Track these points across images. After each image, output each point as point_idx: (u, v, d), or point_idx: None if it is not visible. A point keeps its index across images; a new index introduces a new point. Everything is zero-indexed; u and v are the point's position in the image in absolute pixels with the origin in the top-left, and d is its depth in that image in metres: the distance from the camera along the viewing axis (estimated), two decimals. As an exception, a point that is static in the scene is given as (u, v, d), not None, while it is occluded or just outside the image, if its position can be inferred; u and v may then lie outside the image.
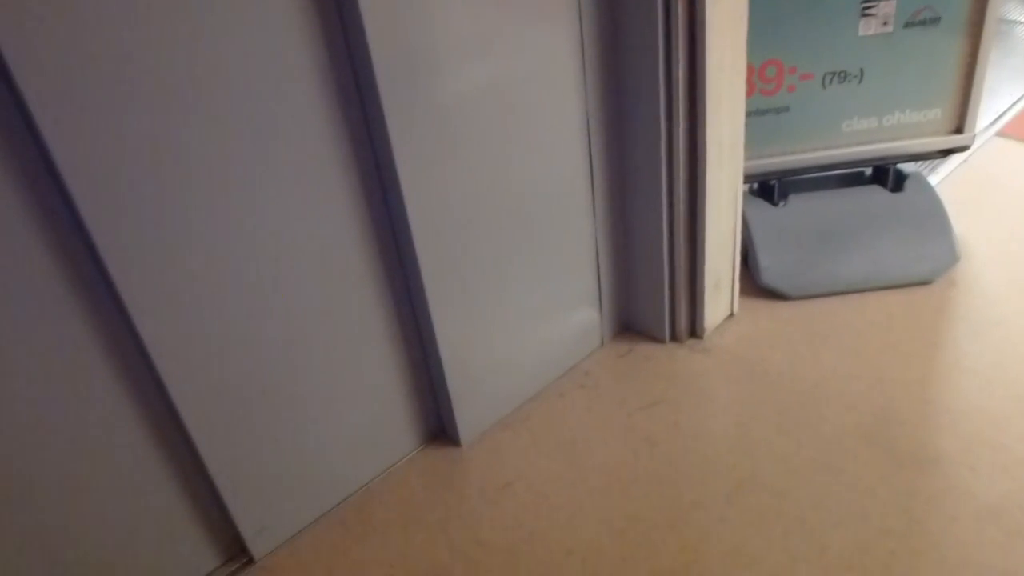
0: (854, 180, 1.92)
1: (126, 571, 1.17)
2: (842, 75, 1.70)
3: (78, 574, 1.12)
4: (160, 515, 1.18)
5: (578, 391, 1.58)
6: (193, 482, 1.20)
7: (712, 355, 1.62)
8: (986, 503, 1.21)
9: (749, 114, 1.61)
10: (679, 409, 1.49)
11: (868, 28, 1.64)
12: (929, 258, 1.77)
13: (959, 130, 1.78)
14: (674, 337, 1.68)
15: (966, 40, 1.67)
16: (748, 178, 1.75)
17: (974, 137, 1.79)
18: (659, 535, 1.24)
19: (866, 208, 1.84)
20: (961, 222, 1.89)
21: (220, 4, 0.96)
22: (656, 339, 1.69)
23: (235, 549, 1.30)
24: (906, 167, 1.89)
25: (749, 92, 1.65)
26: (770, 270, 1.78)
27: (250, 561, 1.30)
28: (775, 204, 1.86)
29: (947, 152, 1.82)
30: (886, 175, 1.87)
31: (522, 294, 1.46)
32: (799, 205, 1.86)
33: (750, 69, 1.61)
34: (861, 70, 1.70)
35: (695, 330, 1.68)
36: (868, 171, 1.92)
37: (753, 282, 1.80)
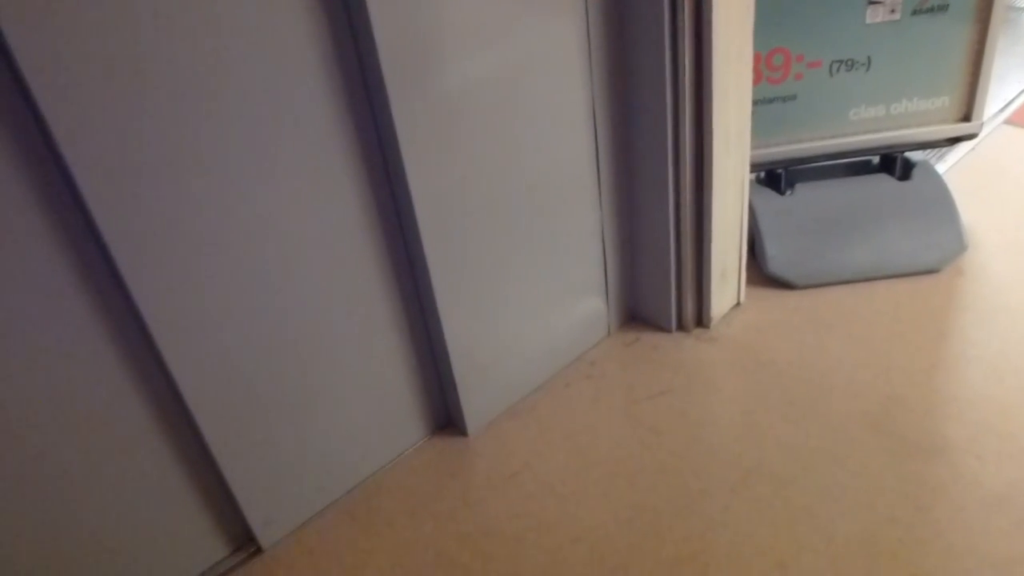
0: (861, 169, 1.91)
1: (134, 561, 1.18)
2: (849, 63, 1.69)
3: (84, 563, 1.12)
4: (168, 505, 1.19)
5: (585, 381, 1.58)
6: (201, 472, 1.21)
7: (719, 344, 1.62)
8: (993, 491, 1.21)
9: (756, 103, 1.61)
10: (685, 398, 1.49)
11: (875, 16, 1.64)
12: (936, 247, 1.76)
13: (967, 118, 1.77)
14: (680, 326, 1.68)
15: (974, 28, 1.66)
16: (755, 167, 1.75)
17: (982, 125, 1.78)
18: (665, 524, 1.24)
19: (873, 197, 1.83)
20: (968, 210, 1.88)
21: (225, -5, 0.96)
22: (662, 328, 1.69)
23: (243, 539, 1.31)
24: (914, 155, 1.88)
25: (756, 81, 1.65)
26: (777, 259, 1.78)
27: (258, 551, 1.30)
28: (782, 193, 1.85)
29: (955, 140, 1.81)
30: (893, 163, 1.87)
31: (528, 284, 1.46)
32: (806, 194, 1.85)
33: (757, 57, 1.60)
34: (868, 58, 1.69)
35: (702, 319, 1.68)
36: (875, 159, 1.91)
37: (760, 271, 1.80)
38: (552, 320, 1.55)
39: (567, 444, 1.43)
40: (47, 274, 0.95)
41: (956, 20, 1.65)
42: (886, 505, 1.21)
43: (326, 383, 1.28)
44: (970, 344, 1.52)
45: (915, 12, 1.63)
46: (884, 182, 1.86)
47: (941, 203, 1.81)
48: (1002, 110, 2.43)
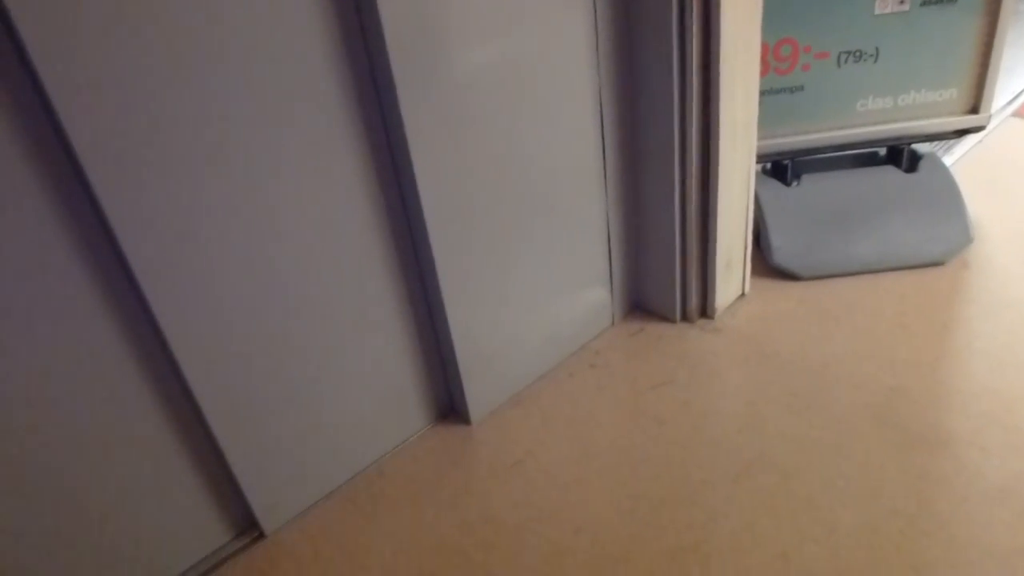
0: (868, 160, 1.91)
1: (138, 545, 1.18)
2: (857, 54, 1.69)
3: (88, 547, 1.13)
4: (172, 490, 1.19)
5: (588, 370, 1.58)
6: (205, 457, 1.21)
7: (723, 335, 1.62)
8: (996, 484, 1.21)
9: (763, 93, 1.60)
10: (689, 389, 1.49)
11: (884, 6, 1.63)
12: (942, 239, 1.75)
13: (975, 110, 1.76)
14: (685, 317, 1.68)
15: (983, 19, 1.65)
16: (761, 158, 1.74)
17: (990, 118, 1.77)
18: (668, 514, 1.24)
19: (879, 188, 1.83)
20: (975, 203, 1.88)
21: (231, -21, 0.96)
22: (667, 319, 1.69)
23: (246, 524, 1.31)
24: (921, 147, 1.87)
25: (763, 71, 1.64)
26: (782, 250, 1.77)
27: (261, 536, 1.31)
28: (788, 184, 1.85)
29: (962, 132, 1.81)
30: (900, 155, 1.86)
31: (533, 273, 1.46)
32: (812, 185, 1.85)
33: (764, 48, 1.60)
34: (877, 49, 1.68)
35: (706, 310, 1.68)
36: (882, 151, 1.91)
37: (765, 262, 1.80)
38: (556, 309, 1.55)
39: (570, 433, 1.43)
40: (57, 261, 0.95)
41: (965, 12, 1.64)
42: (889, 497, 1.21)
43: (330, 370, 1.28)
44: (975, 337, 1.52)
45: (924, 3, 1.63)
46: (890, 174, 1.85)
47: (947, 195, 1.80)
48: (1010, 103, 2.42)
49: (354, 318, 1.27)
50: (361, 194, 1.20)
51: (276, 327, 1.18)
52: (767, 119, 1.68)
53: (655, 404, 1.46)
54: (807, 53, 1.68)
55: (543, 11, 1.25)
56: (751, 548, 1.17)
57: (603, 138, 1.46)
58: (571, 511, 1.27)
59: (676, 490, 1.28)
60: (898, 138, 1.80)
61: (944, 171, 1.84)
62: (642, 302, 1.73)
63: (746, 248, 1.67)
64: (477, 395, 1.47)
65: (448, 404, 1.51)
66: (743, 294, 1.73)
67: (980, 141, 2.21)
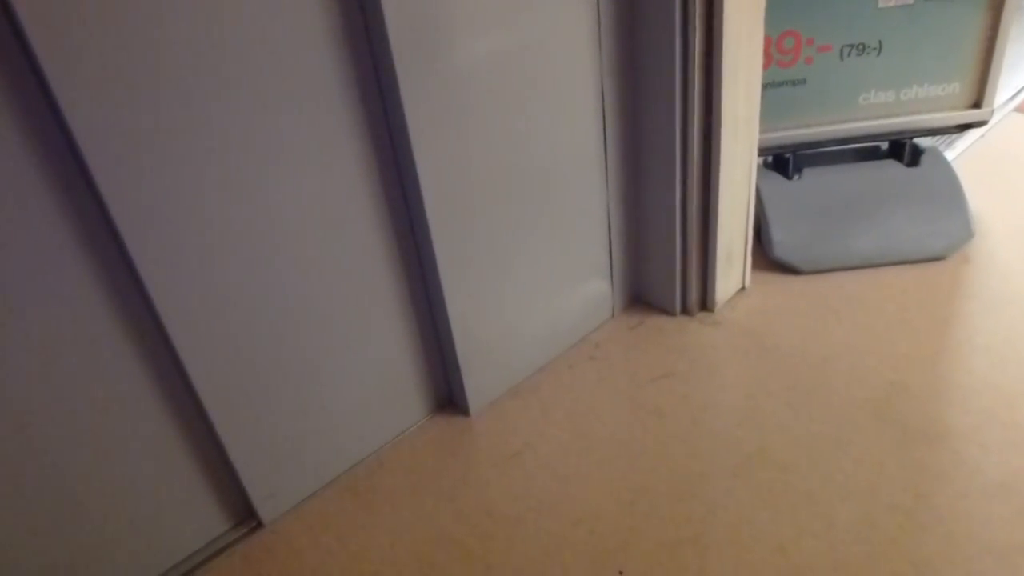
0: (870, 154, 1.90)
1: (135, 533, 1.18)
2: (860, 47, 1.68)
3: (85, 534, 1.13)
4: (171, 478, 1.19)
5: (588, 362, 1.58)
6: (203, 446, 1.21)
7: (723, 328, 1.62)
8: (995, 480, 1.21)
9: (765, 86, 1.60)
10: (689, 382, 1.49)
11: (888, 0, 1.62)
12: (943, 234, 1.75)
13: (977, 105, 1.76)
14: (685, 310, 1.68)
15: (987, 14, 1.64)
16: (763, 151, 1.74)
17: (992, 112, 1.76)
18: (666, 507, 1.24)
19: (881, 183, 1.82)
20: (976, 198, 1.87)
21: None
22: (667, 311, 1.69)
23: (244, 513, 1.31)
24: (922, 142, 1.87)
25: (766, 64, 1.63)
26: (783, 244, 1.77)
27: (259, 526, 1.31)
28: (789, 177, 1.84)
29: (964, 127, 1.80)
30: (902, 149, 1.85)
31: (533, 264, 1.45)
32: (813, 179, 1.84)
33: (767, 40, 1.59)
34: (880, 42, 1.67)
35: (706, 303, 1.67)
36: (884, 145, 1.90)
37: (765, 256, 1.79)
38: (556, 301, 1.54)
39: (569, 425, 1.43)
40: (56, 247, 0.95)
41: (969, 6, 1.63)
42: (887, 491, 1.21)
43: (329, 359, 1.28)
44: (975, 332, 1.51)
45: (929, -4, 1.62)
46: (892, 168, 1.85)
47: (949, 190, 1.80)
48: (1013, 98, 2.42)
49: (353, 308, 1.27)
50: (362, 184, 1.19)
51: (275, 316, 1.18)
52: (769, 112, 1.67)
53: (654, 397, 1.46)
54: (810, 46, 1.67)
55: (546, 1, 1.25)
56: (749, 541, 1.17)
57: (604, 129, 1.46)
58: (570, 503, 1.27)
59: (675, 483, 1.28)
60: (900, 132, 1.79)
61: (946, 166, 1.83)
62: (642, 295, 1.73)
63: (747, 241, 1.67)
64: (476, 386, 1.46)
65: (447, 395, 1.51)
66: (743, 287, 1.73)
67: (982, 136, 2.21)
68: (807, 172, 1.85)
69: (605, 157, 1.48)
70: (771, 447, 1.32)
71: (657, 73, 1.41)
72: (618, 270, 1.65)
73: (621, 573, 1.15)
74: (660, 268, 1.64)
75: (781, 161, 1.86)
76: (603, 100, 1.43)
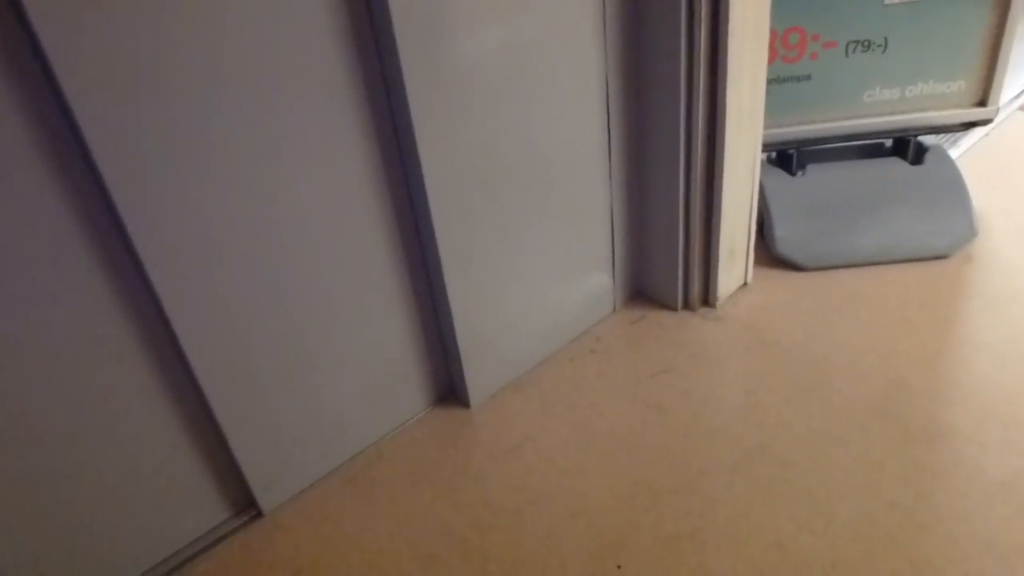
0: (874, 151, 1.90)
1: (134, 520, 1.18)
2: (866, 44, 1.67)
3: (83, 521, 1.13)
4: (171, 467, 1.19)
5: (589, 356, 1.58)
6: (204, 435, 1.21)
7: (724, 324, 1.62)
8: (996, 479, 1.21)
9: (770, 81, 1.59)
10: (689, 377, 1.49)
11: (895, -5, 1.62)
12: (946, 232, 1.75)
13: (983, 103, 1.75)
14: (686, 305, 1.68)
15: (994, 12, 1.64)
16: (767, 147, 1.74)
17: (998, 111, 1.76)
18: (665, 501, 1.24)
19: (885, 180, 1.82)
20: (980, 197, 1.87)
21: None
22: (668, 306, 1.69)
23: (244, 502, 1.31)
24: (927, 139, 1.87)
25: (771, 59, 1.63)
26: (785, 240, 1.77)
27: (258, 515, 1.31)
28: (793, 174, 1.84)
29: (969, 125, 1.80)
30: (906, 147, 1.85)
31: (535, 257, 1.45)
32: (817, 175, 1.84)
33: (772, 35, 1.58)
34: (885, 39, 1.67)
35: (708, 298, 1.67)
36: (888, 143, 1.90)
37: (768, 252, 1.79)
38: (558, 295, 1.54)
39: (569, 419, 1.43)
40: (58, 236, 0.95)
41: (976, 3, 1.62)
42: (887, 489, 1.21)
43: (331, 350, 1.28)
44: (977, 331, 1.51)
45: (935, -8, 1.62)
46: (896, 166, 1.84)
47: (953, 188, 1.79)
48: (1017, 96, 2.41)
49: (356, 298, 1.27)
50: (365, 176, 1.19)
51: (278, 305, 1.18)
52: (773, 108, 1.67)
53: (655, 391, 1.46)
54: (815, 42, 1.67)
55: (552, -7, 1.25)
56: (748, 537, 1.17)
57: (609, 123, 1.45)
58: (569, 496, 1.27)
59: (674, 478, 1.28)
60: (905, 130, 1.79)
61: (950, 164, 1.83)
62: (644, 289, 1.73)
63: (749, 237, 1.66)
64: (477, 378, 1.46)
65: (448, 387, 1.51)
66: (745, 283, 1.72)
67: (987, 134, 2.20)
68: (811, 168, 1.85)
69: (609, 150, 1.48)
70: (771, 443, 1.32)
71: (662, 66, 1.40)
72: (620, 264, 1.64)
73: (619, 567, 1.15)
74: (662, 263, 1.64)
75: (785, 157, 1.86)
76: (607, 93, 1.42)
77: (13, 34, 0.85)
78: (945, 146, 1.91)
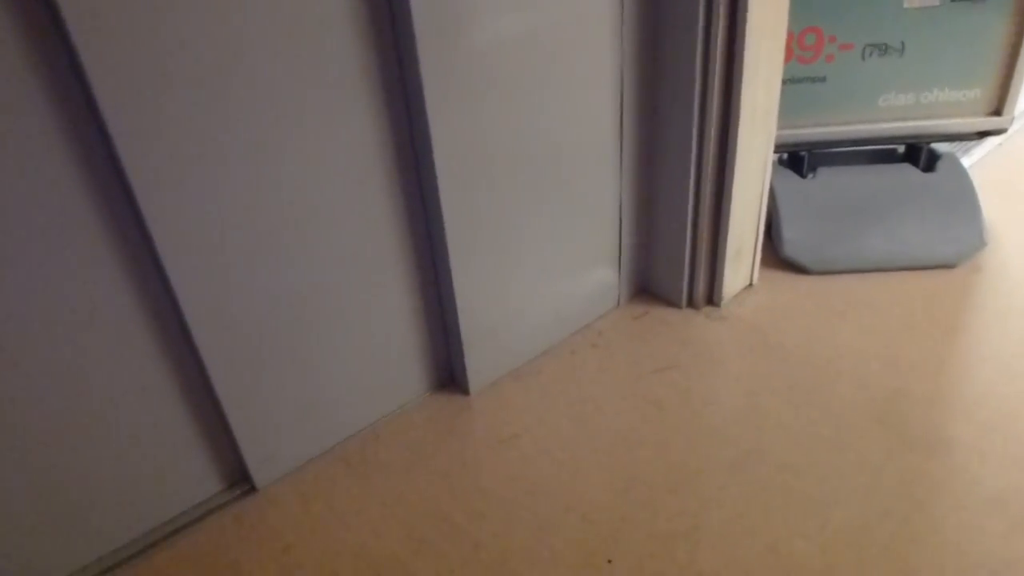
0: (885, 157, 1.89)
1: (128, 488, 1.18)
2: (883, 48, 1.66)
3: (77, 487, 1.13)
4: (167, 437, 1.19)
5: (590, 350, 1.57)
6: (203, 407, 1.21)
7: (728, 324, 1.61)
8: (993, 492, 1.20)
9: (785, 82, 1.58)
10: (690, 375, 1.48)
11: (914, 0, 1.60)
12: (955, 241, 1.74)
13: (998, 112, 1.74)
14: (691, 303, 1.67)
15: (1014, 20, 1.62)
16: (778, 147, 1.73)
17: (1012, 120, 1.75)
18: (660, 499, 1.24)
19: (895, 186, 1.81)
20: (991, 207, 1.86)
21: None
22: (673, 304, 1.68)
23: (238, 476, 1.31)
24: (939, 147, 1.85)
25: (786, 59, 1.62)
26: (793, 242, 1.76)
27: (252, 489, 1.31)
28: (803, 176, 1.83)
29: (983, 134, 1.79)
30: (919, 154, 1.84)
31: (542, 247, 1.45)
32: (827, 178, 1.83)
33: (789, 36, 1.57)
34: (903, 43, 1.66)
35: (712, 297, 1.67)
36: (901, 149, 1.89)
37: (775, 253, 1.79)
38: (563, 286, 1.54)
39: (568, 411, 1.42)
40: (62, 196, 0.94)
41: (996, 11, 1.61)
42: (883, 497, 1.21)
43: (333, 328, 1.27)
44: (982, 342, 1.51)
45: (955, -1, 1.60)
46: (907, 172, 1.83)
47: (964, 197, 1.78)
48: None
49: (361, 279, 1.27)
50: (377, 158, 1.19)
51: (284, 282, 1.17)
52: (787, 108, 1.66)
53: (655, 388, 1.46)
54: (832, 43, 1.66)
55: (572, -18, 1.24)
56: (741, 539, 1.16)
57: (622, 116, 1.44)
58: (563, 488, 1.27)
59: (670, 475, 1.28)
60: (918, 136, 1.78)
61: (962, 172, 1.82)
62: (649, 285, 1.72)
63: (757, 238, 1.66)
64: (477, 366, 1.46)
65: (448, 373, 1.51)
66: (751, 284, 1.72)
67: (1000, 144, 2.19)
68: (822, 171, 1.84)
69: (621, 144, 1.47)
70: (769, 445, 1.32)
71: (678, 61, 1.39)
72: (626, 259, 1.64)
73: (610, 561, 1.15)
74: (669, 259, 1.63)
75: (796, 159, 1.85)
76: (622, 86, 1.41)
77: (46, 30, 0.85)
78: (958, 154, 1.90)
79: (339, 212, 1.18)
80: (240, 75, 1.00)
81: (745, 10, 1.31)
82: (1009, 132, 1.80)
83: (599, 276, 1.61)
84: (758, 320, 1.61)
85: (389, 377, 1.41)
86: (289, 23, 1.01)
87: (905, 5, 1.61)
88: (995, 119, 1.75)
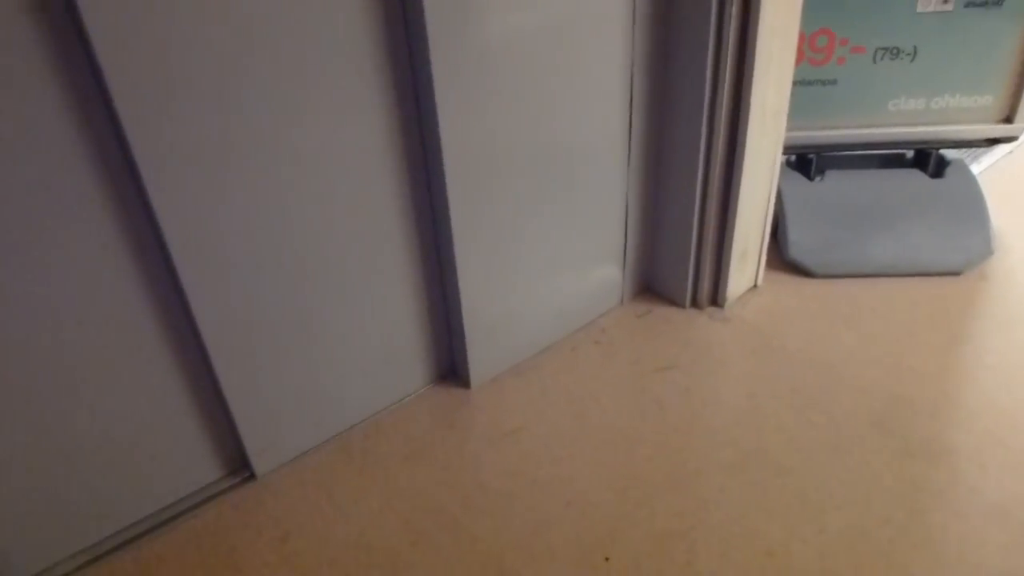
0: (894, 162, 1.88)
1: (127, 473, 1.18)
2: (894, 51, 1.66)
3: (76, 470, 1.13)
4: (168, 422, 1.19)
5: (592, 347, 1.57)
6: (204, 393, 1.21)
7: (731, 325, 1.61)
8: (993, 502, 1.20)
9: (795, 83, 1.58)
10: (692, 375, 1.48)
11: (927, 4, 1.60)
12: (962, 249, 1.73)
13: (1009, 119, 1.74)
14: (694, 303, 1.67)
15: (1027, 27, 1.62)
16: (787, 149, 1.72)
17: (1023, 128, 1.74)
18: (659, 498, 1.24)
19: (903, 192, 1.80)
20: (999, 215, 1.85)
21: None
22: (676, 303, 1.68)
23: (238, 463, 1.31)
24: (949, 153, 1.85)
25: (797, 60, 1.61)
26: (798, 245, 1.76)
27: (251, 477, 1.31)
28: (811, 179, 1.83)
29: (994, 142, 1.78)
30: (928, 159, 1.83)
31: (547, 242, 1.44)
32: (835, 182, 1.82)
33: (800, 37, 1.56)
34: (915, 48, 1.65)
35: (716, 298, 1.66)
36: (910, 154, 1.88)
37: (780, 256, 1.78)
38: (566, 282, 1.53)
39: (568, 408, 1.42)
40: (69, 179, 0.94)
41: (1011, 17, 1.60)
42: (882, 504, 1.20)
43: (336, 319, 1.27)
44: (986, 351, 1.50)
45: (969, 4, 1.59)
46: (916, 178, 1.83)
47: (972, 205, 1.78)
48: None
49: (366, 269, 1.26)
50: (383, 146, 1.18)
51: (288, 271, 1.17)
52: (796, 110, 1.65)
53: (656, 387, 1.46)
54: (843, 46, 1.65)
55: (586, -22, 1.23)
56: (739, 541, 1.16)
57: (631, 114, 1.44)
58: (562, 485, 1.27)
59: (669, 475, 1.28)
60: (927, 142, 1.77)
61: (971, 179, 1.81)
62: (652, 284, 1.72)
63: (763, 239, 1.65)
64: (479, 360, 1.46)
65: (449, 366, 1.50)
66: (755, 286, 1.71)
67: (1010, 152, 2.18)
68: (830, 174, 1.83)
69: (629, 142, 1.47)
70: (769, 448, 1.31)
71: (689, 59, 1.39)
72: (631, 257, 1.63)
73: (607, 559, 1.15)
74: (673, 258, 1.63)
75: (804, 161, 1.84)
76: (632, 84, 1.41)
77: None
78: (967, 161, 1.89)
79: (346, 205, 1.18)
80: (250, 72, 1.00)
81: (758, 10, 1.30)
82: (1020, 140, 1.79)
83: (603, 273, 1.61)
84: (761, 322, 1.61)
85: (391, 369, 1.41)
86: (301, 20, 1.01)
87: (918, 9, 1.60)
88: (1006, 126, 1.74)
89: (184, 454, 1.24)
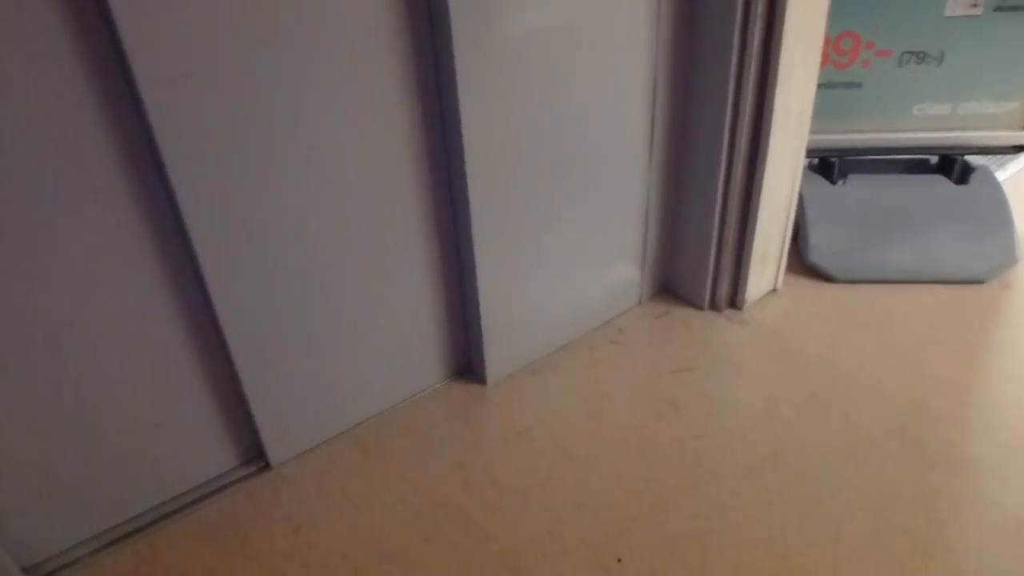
0: (918, 167, 1.86)
1: (144, 459, 1.19)
2: (921, 55, 1.64)
3: (94, 456, 1.13)
4: (186, 410, 1.20)
5: (609, 346, 1.56)
6: (222, 383, 1.21)
7: (749, 328, 1.60)
8: (1013, 515, 1.18)
9: (819, 86, 1.56)
10: (709, 377, 1.47)
11: (955, 8, 1.58)
12: (986, 257, 1.71)
13: (1035, 127, 1.72)
14: (713, 305, 1.66)
15: (1059, 32, 1.60)
16: (809, 152, 1.71)
17: (1051, 137, 1.73)
18: (673, 500, 1.23)
19: (927, 197, 1.79)
20: (1024, 224, 1.84)
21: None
22: (694, 304, 1.67)
23: (253, 453, 1.32)
24: (974, 159, 1.83)
25: (822, 63, 1.60)
26: (819, 249, 1.74)
27: (267, 467, 1.31)
28: (833, 182, 1.81)
29: (1020, 148, 1.76)
30: (952, 165, 1.82)
31: (567, 241, 1.44)
32: (858, 186, 1.81)
33: (825, 40, 1.55)
34: (942, 52, 1.64)
35: (735, 300, 1.65)
36: (934, 159, 1.86)
37: (800, 259, 1.77)
38: (585, 281, 1.53)
39: (584, 407, 1.42)
40: (94, 169, 0.95)
41: (1039, 23, 1.59)
42: (899, 513, 1.19)
43: (356, 312, 1.27)
44: (1008, 361, 1.49)
45: (999, 8, 1.57)
46: (940, 184, 1.81)
47: (997, 212, 1.76)
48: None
49: (385, 264, 1.26)
50: (406, 141, 1.18)
51: (309, 263, 1.17)
52: (820, 113, 1.64)
53: (673, 389, 1.45)
54: (869, 49, 1.64)
55: (611, -23, 1.23)
56: (752, 545, 1.16)
57: (653, 113, 1.43)
58: (576, 484, 1.27)
59: (684, 477, 1.27)
60: (952, 148, 1.75)
61: (996, 186, 1.79)
62: (671, 285, 1.71)
63: (784, 243, 1.64)
64: (496, 357, 1.46)
65: (466, 362, 1.50)
66: (775, 289, 1.70)
67: (1036, 160, 2.16)
68: (852, 179, 1.82)
69: (651, 141, 1.46)
70: (785, 453, 1.31)
71: (713, 60, 1.38)
72: (650, 257, 1.63)
73: (620, 560, 1.15)
74: (693, 260, 1.62)
75: (827, 165, 1.83)
76: (655, 83, 1.40)
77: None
78: (992, 168, 1.87)
79: (367, 200, 1.18)
80: (275, 66, 1.00)
81: (783, 12, 1.29)
82: (1046, 148, 1.77)
83: (622, 273, 1.60)
84: (780, 326, 1.60)
85: (408, 363, 1.41)
86: (327, 14, 1.01)
87: (946, 13, 1.59)
88: (1033, 134, 1.73)
89: (201, 443, 1.24)
